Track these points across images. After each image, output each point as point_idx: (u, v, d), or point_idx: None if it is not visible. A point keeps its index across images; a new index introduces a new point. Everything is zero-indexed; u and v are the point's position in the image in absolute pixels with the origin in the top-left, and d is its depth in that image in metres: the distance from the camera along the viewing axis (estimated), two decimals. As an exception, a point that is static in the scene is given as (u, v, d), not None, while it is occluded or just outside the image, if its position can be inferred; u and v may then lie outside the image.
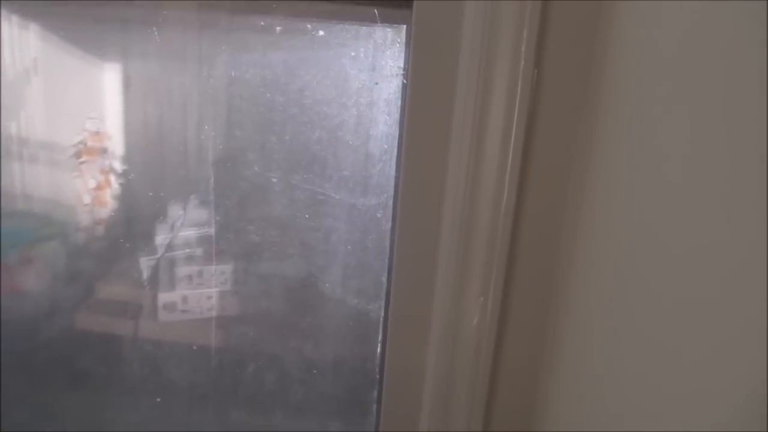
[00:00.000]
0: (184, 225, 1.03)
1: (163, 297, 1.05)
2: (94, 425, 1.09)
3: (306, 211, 0.91)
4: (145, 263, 1.04)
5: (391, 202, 0.89)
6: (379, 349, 0.96)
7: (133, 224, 1.03)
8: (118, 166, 1.02)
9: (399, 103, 0.84)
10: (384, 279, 0.93)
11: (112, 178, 1.02)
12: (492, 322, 0.85)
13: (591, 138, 0.74)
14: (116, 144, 1.01)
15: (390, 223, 0.90)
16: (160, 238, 1.03)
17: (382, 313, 0.94)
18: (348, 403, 1.01)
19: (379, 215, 0.90)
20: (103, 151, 1.02)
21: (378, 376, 0.97)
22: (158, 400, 1.07)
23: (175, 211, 1.03)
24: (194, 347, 1.06)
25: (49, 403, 1.10)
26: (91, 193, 1.03)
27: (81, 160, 1.02)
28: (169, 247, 1.03)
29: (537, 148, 0.79)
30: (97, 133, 1.01)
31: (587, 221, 0.75)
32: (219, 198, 0.97)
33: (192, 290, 1.04)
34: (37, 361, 1.08)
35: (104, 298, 1.07)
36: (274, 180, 0.90)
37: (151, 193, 1.02)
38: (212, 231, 1.02)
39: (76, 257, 1.05)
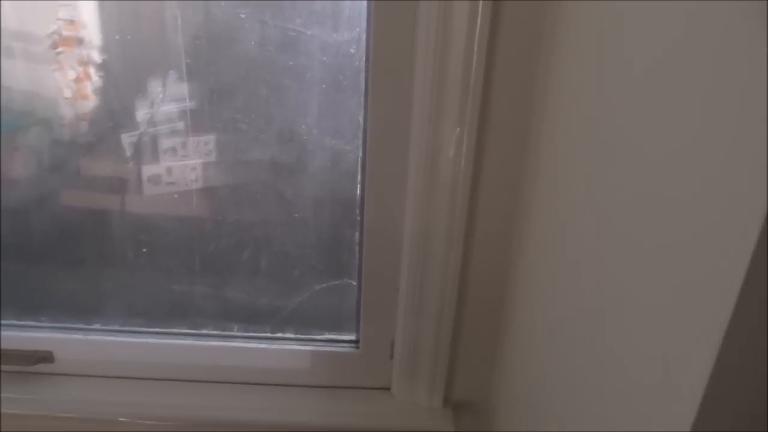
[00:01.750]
0: (165, 100, 1.02)
1: (148, 170, 1.06)
2: (88, 299, 1.13)
3: (277, 51, 0.90)
4: (127, 139, 1.04)
5: (364, 36, 0.88)
6: (359, 190, 0.99)
7: (114, 107, 1.02)
8: (96, 54, 1.00)
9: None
10: (360, 118, 0.94)
11: (91, 69, 1.00)
12: (468, 154, 0.87)
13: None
14: (92, 32, 0.98)
15: (363, 60, 0.90)
16: (142, 114, 1.03)
17: (360, 153, 0.96)
18: (331, 247, 1.05)
19: (352, 51, 0.90)
20: (80, 41, 0.98)
21: (359, 219, 1.01)
22: (148, 271, 1.11)
23: (154, 88, 1.02)
24: (181, 218, 1.09)
25: (44, 280, 1.13)
26: (71, 85, 1.01)
27: (57, 50, 0.99)
28: (151, 122, 1.03)
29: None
30: (72, 21, 0.98)
31: (562, 47, 0.75)
32: (194, 63, 0.96)
33: (176, 162, 1.05)
34: (29, 241, 1.11)
35: (89, 175, 1.07)
36: (242, 16, 0.88)
37: (130, 75, 1.00)
38: (192, 104, 1.02)
39: (60, 142, 1.05)
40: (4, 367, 1.12)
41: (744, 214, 0.37)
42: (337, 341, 1.12)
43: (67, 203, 1.10)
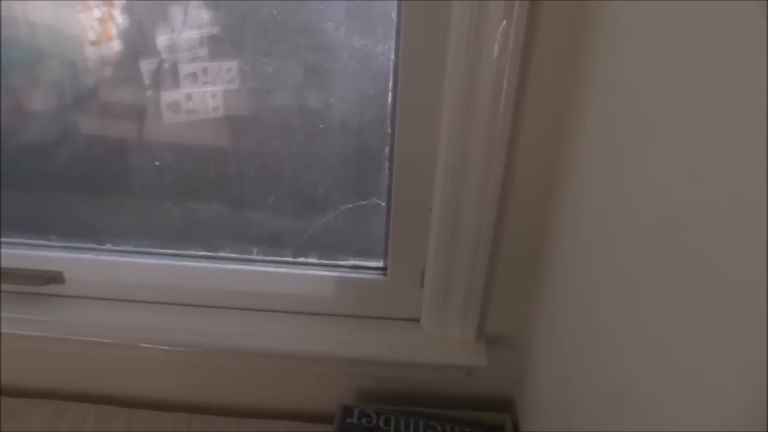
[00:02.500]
0: (186, 27, 0.95)
1: (167, 96, 0.99)
2: (101, 219, 1.08)
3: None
4: (146, 65, 0.97)
5: None
6: (390, 98, 0.90)
7: (137, 38, 0.95)
8: None
9: None
10: (393, 15, 0.85)
11: (116, 9, 0.95)
12: (515, 52, 0.78)
13: None
14: None
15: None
16: (162, 40, 0.95)
17: (393, 55, 0.87)
18: (358, 163, 0.97)
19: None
20: None
21: (390, 128, 0.92)
22: (164, 193, 1.05)
23: (176, 14, 0.94)
24: (200, 148, 1.02)
25: (57, 201, 1.09)
26: (95, 24, 0.96)
27: None
28: (172, 48, 0.95)
29: None
30: None
31: None
32: None
33: (197, 88, 0.99)
34: (47, 169, 1.06)
35: (108, 103, 1.01)
36: None
37: (152, 6, 0.93)
38: (215, 29, 0.94)
39: (82, 75, 0.99)
40: (12, 287, 1.07)
41: None
42: (364, 268, 1.05)
43: (86, 131, 1.04)
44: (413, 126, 0.87)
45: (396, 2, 0.83)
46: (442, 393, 1.10)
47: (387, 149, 0.94)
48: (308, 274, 1.04)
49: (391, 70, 0.88)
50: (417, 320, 1.04)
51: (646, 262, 0.58)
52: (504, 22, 0.76)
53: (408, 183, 0.92)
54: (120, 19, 0.97)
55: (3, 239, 1.07)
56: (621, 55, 0.67)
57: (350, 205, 1.01)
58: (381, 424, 1.02)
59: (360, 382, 1.10)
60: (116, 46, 0.98)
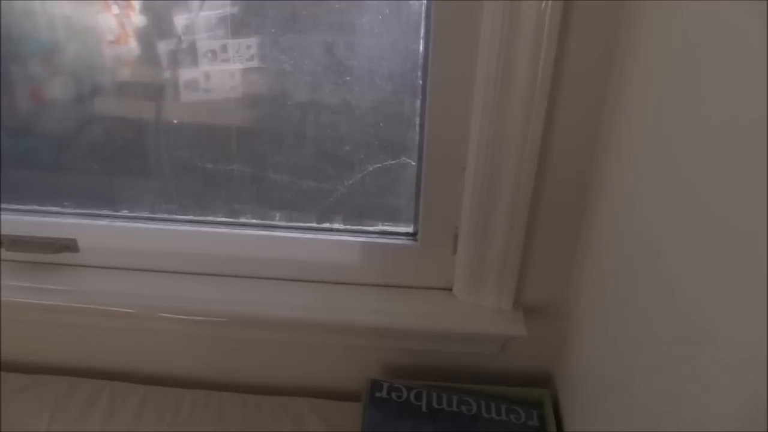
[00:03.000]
0: (205, 7, 0.92)
1: (185, 74, 0.97)
2: (115, 185, 1.05)
3: None
4: (165, 46, 0.95)
5: None
6: (421, 46, 0.85)
7: (157, 24, 0.93)
8: None
9: None
10: (426, -47, 0.79)
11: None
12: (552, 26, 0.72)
13: None
14: None
15: None
16: (181, 20, 0.93)
17: (423, 10, 0.82)
18: (387, 119, 0.92)
19: None
20: None
21: (421, 80, 0.87)
22: (181, 156, 1.01)
23: None
24: (219, 125, 0.99)
25: (74, 180, 1.05)
26: (114, 22, 0.94)
27: None
28: (190, 28, 0.93)
29: None
30: None
31: None
32: None
33: (215, 67, 0.94)
34: (65, 146, 1.04)
35: (127, 83, 0.99)
36: None
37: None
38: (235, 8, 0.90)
39: (98, 64, 0.97)
40: (26, 256, 1.03)
41: None
42: (392, 233, 0.99)
43: (105, 110, 1.01)
44: (446, 76, 0.82)
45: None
46: (475, 368, 1.05)
47: (418, 102, 0.89)
48: (333, 240, 0.99)
49: (423, 14, 0.82)
50: (449, 289, 0.99)
51: (699, 221, 0.53)
52: None
53: (441, 140, 0.87)
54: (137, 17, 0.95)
55: (16, 206, 1.03)
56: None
57: (378, 165, 0.95)
58: (412, 398, 0.96)
59: (388, 356, 1.05)
60: (133, 43, 0.96)
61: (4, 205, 1.03)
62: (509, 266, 0.92)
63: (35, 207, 1.04)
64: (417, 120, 0.90)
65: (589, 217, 0.87)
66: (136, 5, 0.94)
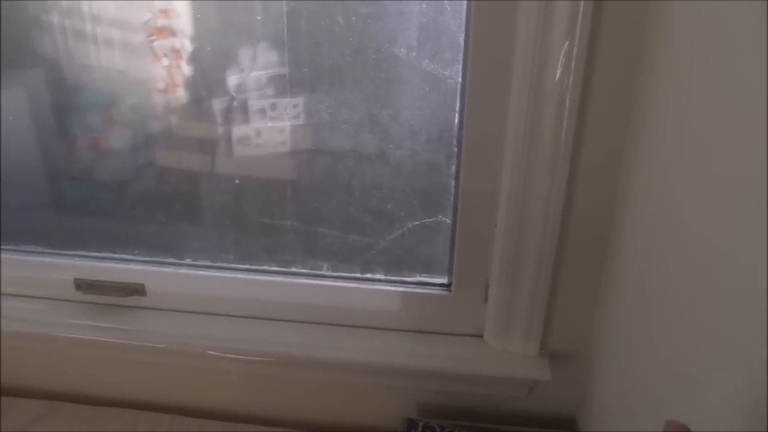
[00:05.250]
0: (256, 68, 1.04)
1: (238, 131, 1.09)
2: (181, 235, 1.17)
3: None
4: (218, 104, 1.08)
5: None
6: (457, 118, 0.97)
7: (203, 82, 1.06)
8: (188, 44, 1.04)
9: None
10: (461, 40, 0.91)
11: (183, 59, 1.05)
12: (577, 72, 0.83)
13: None
14: (185, 22, 1.03)
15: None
16: (233, 79, 1.05)
17: (460, 79, 0.94)
18: (425, 181, 1.03)
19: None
20: (173, 31, 1.03)
21: (456, 151, 0.98)
22: (241, 210, 1.13)
23: (246, 55, 1.04)
24: (269, 179, 1.11)
25: (141, 229, 1.18)
26: (163, 73, 1.07)
27: (152, 38, 1.04)
28: (242, 87, 1.05)
29: None
30: (166, 11, 1.03)
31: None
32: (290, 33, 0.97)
33: (265, 124, 1.07)
34: (127, 199, 1.17)
35: (182, 138, 1.12)
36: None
37: (217, 55, 1.04)
38: (283, 69, 1.03)
39: (154, 116, 1.11)
40: (99, 299, 1.16)
41: None
42: (429, 284, 1.10)
43: (162, 164, 1.14)
44: (479, 145, 0.93)
45: (464, 27, 0.90)
46: (504, 410, 1.13)
47: (453, 168, 1.00)
48: (375, 289, 1.10)
49: (458, 92, 0.94)
50: (480, 336, 1.08)
51: (708, 275, 0.62)
52: (566, 43, 0.82)
53: (474, 200, 0.98)
54: (186, 68, 1.07)
55: (91, 253, 1.16)
56: (678, 82, 0.72)
57: (417, 223, 1.06)
58: (445, 436, 1.05)
59: (424, 397, 1.14)
60: (182, 92, 1.08)
61: (82, 252, 1.17)
62: (536, 315, 1.02)
63: (109, 254, 1.17)
64: (452, 183, 1.01)
65: (608, 269, 0.96)
66: (185, 59, 1.05)
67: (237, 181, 1.11)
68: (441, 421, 1.08)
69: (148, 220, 1.17)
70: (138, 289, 1.15)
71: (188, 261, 1.15)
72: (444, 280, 1.09)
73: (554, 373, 1.03)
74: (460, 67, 0.93)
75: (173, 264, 1.15)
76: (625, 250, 0.89)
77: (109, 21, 1.05)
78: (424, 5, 0.91)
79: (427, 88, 0.96)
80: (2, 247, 1.19)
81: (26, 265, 1.18)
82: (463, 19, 0.90)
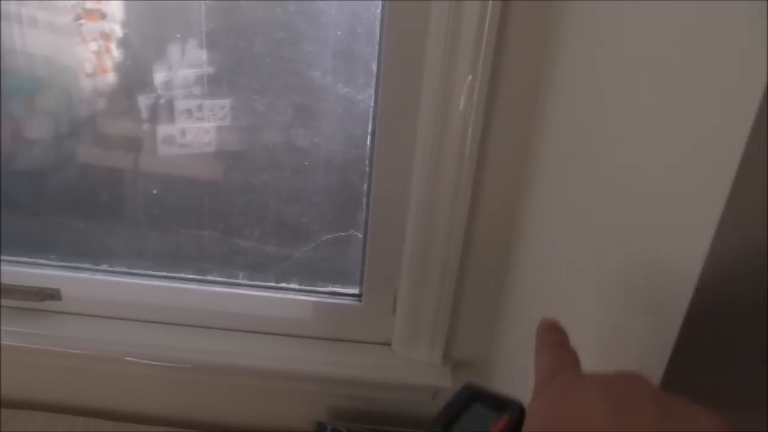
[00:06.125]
0: (183, 65, 1.06)
1: (163, 130, 1.10)
2: (97, 241, 1.18)
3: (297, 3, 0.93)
4: (144, 101, 1.09)
5: (380, -17, 0.90)
6: (369, 140, 1.01)
7: (133, 72, 1.06)
8: (119, 29, 1.04)
9: None
10: (374, 67, 0.96)
11: (112, 43, 1.05)
12: (479, 104, 0.89)
13: None
14: (115, 6, 1.02)
15: (380, 8, 0.92)
16: (159, 77, 1.06)
17: (372, 103, 0.98)
18: (339, 198, 1.08)
19: (368, -2, 0.92)
20: (102, 14, 1.03)
21: (368, 170, 1.03)
22: (157, 218, 1.15)
23: (173, 53, 1.05)
24: (192, 179, 1.13)
25: (56, 223, 1.18)
26: (91, 57, 1.05)
27: (80, 22, 1.03)
28: (168, 85, 1.06)
29: None
30: None
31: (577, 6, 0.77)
32: (213, 29, 0.99)
33: (191, 124, 1.09)
34: (40, 193, 1.17)
35: (106, 133, 1.12)
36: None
37: (148, 41, 1.04)
38: (211, 69, 1.05)
39: (78, 105, 1.10)
40: (13, 302, 1.16)
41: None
42: (340, 294, 1.14)
43: (85, 159, 1.14)
44: (389, 165, 0.98)
45: (377, 55, 0.95)
46: (411, 414, 1.19)
47: (365, 186, 1.05)
48: (289, 299, 1.14)
49: (371, 115, 0.99)
50: (388, 344, 1.14)
51: (593, 290, 0.68)
52: (470, 77, 0.88)
53: (383, 217, 1.03)
54: (116, 52, 1.07)
55: (5, 257, 1.16)
56: (575, 103, 0.79)
57: (330, 236, 1.11)
58: (352, 440, 1.11)
59: (334, 401, 1.19)
60: (111, 78, 1.08)
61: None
62: (440, 325, 1.08)
63: (24, 258, 1.17)
64: (364, 200, 1.07)
65: (507, 283, 1.03)
66: (114, 50, 1.05)
67: (158, 184, 1.12)
68: (350, 424, 1.14)
69: (65, 220, 1.17)
70: (53, 294, 1.15)
71: (104, 267, 1.16)
72: (355, 291, 1.14)
73: (456, 380, 1.09)
74: (372, 91, 0.98)
75: (89, 270, 1.16)
76: (522, 265, 0.96)
77: (36, 2, 1.03)
78: (339, 32, 0.95)
79: (341, 111, 1.01)
80: None
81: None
82: (376, 47, 0.95)
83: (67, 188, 1.15)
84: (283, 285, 1.15)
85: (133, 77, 1.07)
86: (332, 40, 0.96)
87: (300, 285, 1.15)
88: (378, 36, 0.94)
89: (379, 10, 0.92)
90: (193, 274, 1.16)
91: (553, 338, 0.48)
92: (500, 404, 0.49)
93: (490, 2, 0.84)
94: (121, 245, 1.17)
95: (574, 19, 0.78)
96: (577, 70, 0.76)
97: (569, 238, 0.77)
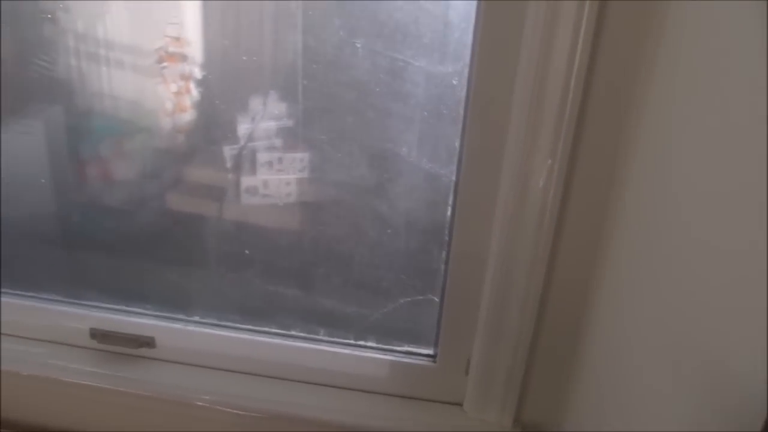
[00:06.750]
0: (265, 117, 1.13)
1: (246, 181, 1.19)
2: (189, 293, 1.27)
3: (386, 77, 1.00)
4: (228, 151, 1.17)
5: (466, 70, 0.97)
6: (449, 212, 1.07)
7: (215, 119, 1.15)
8: (198, 71, 1.12)
9: (479, -28, 0.90)
10: (457, 144, 1.02)
11: (192, 83, 1.12)
12: (558, 185, 0.94)
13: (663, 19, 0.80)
14: (196, 50, 1.10)
15: (465, 91, 0.98)
16: (242, 128, 1.14)
17: (454, 177, 1.04)
18: (418, 263, 1.14)
19: (454, 82, 0.99)
20: (183, 57, 1.11)
21: (447, 240, 1.08)
22: (244, 272, 1.23)
23: (255, 104, 1.13)
24: (275, 228, 1.20)
25: (151, 273, 1.28)
26: (172, 97, 1.13)
27: (162, 65, 1.12)
28: (251, 137, 1.14)
29: (612, 22, 0.86)
30: (178, 38, 1.09)
31: (656, 98, 0.82)
32: (306, 84, 1.07)
33: (272, 176, 1.16)
34: (131, 238, 1.26)
35: (191, 182, 1.21)
36: (357, 45, 0.99)
37: (230, 92, 1.13)
38: (291, 122, 1.13)
39: (163, 150, 1.19)
40: (111, 348, 1.25)
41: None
42: (416, 354, 1.19)
43: (171, 206, 1.23)
44: (468, 235, 1.04)
45: (460, 134, 1.01)
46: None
47: (444, 253, 1.11)
48: (366, 356, 1.20)
49: (452, 189, 1.05)
50: (460, 404, 1.18)
51: (679, 366, 0.71)
52: (549, 161, 0.93)
53: (460, 282, 1.08)
54: (196, 93, 1.15)
55: (106, 305, 1.26)
56: (653, 183, 0.83)
57: (408, 299, 1.17)
58: (423, 497, 1.14)
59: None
60: (191, 120, 1.15)
61: (99, 303, 1.26)
62: (511, 390, 1.12)
63: (123, 307, 1.26)
64: (442, 267, 1.12)
65: (581, 354, 1.06)
66: (194, 89, 1.12)
67: (242, 234, 1.20)
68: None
69: (154, 266, 1.25)
70: (148, 342, 1.24)
71: (196, 318, 1.25)
72: (430, 351, 1.19)
73: (525, 445, 1.12)
74: (455, 167, 1.04)
75: (182, 320, 1.25)
76: (595, 335, 0.99)
77: (122, 47, 1.12)
78: (425, 113, 1.02)
79: (423, 182, 1.07)
80: (22, 293, 1.28)
81: (43, 313, 1.28)
82: (460, 127, 1.01)
83: (154, 233, 1.24)
84: (361, 343, 1.21)
85: (216, 124, 1.14)
86: (418, 120, 1.03)
87: (377, 343, 1.21)
88: (462, 118, 1.00)
89: (464, 93, 0.98)
90: (277, 329, 1.23)
91: None
92: None
93: (570, 96, 0.89)
94: (211, 296, 1.26)
95: (648, 123, 0.82)
96: (652, 163, 0.80)
97: (641, 316, 0.80)
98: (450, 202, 1.07)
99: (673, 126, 0.75)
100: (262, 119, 1.15)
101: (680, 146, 0.72)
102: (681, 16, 0.76)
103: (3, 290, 1.29)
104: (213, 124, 1.15)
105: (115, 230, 1.26)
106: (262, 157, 1.18)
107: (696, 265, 0.65)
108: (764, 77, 0.42)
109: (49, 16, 1.11)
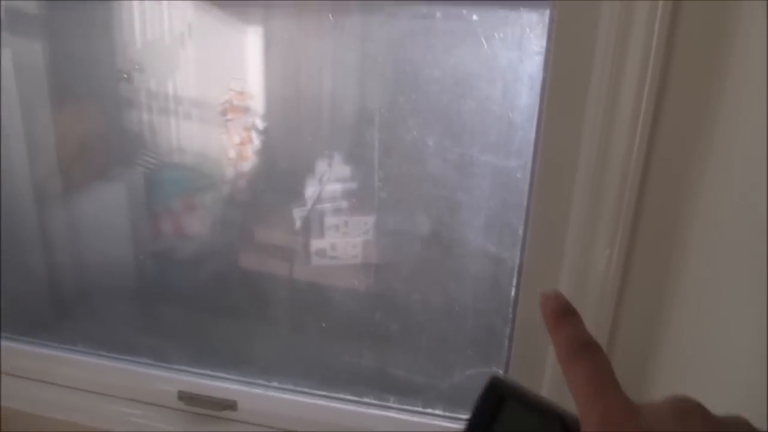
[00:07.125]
0: (331, 179, 1.23)
1: (315, 244, 1.27)
2: (268, 357, 1.36)
3: (454, 171, 1.09)
4: (297, 213, 1.26)
5: (529, 164, 1.05)
6: (513, 293, 1.15)
7: (279, 176, 1.25)
8: (260, 123, 1.21)
9: (540, 77, 0.99)
10: (520, 231, 1.10)
11: (254, 134, 1.21)
12: (616, 272, 1.01)
13: (719, 113, 0.86)
14: (258, 103, 1.19)
15: (528, 183, 1.06)
16: (309, 191, 1.24)
17: (517, 261, 1.12)
18: (484, 341, 1.21)
19: (518, 176, 1.07)
20: (246, 109, 1.20)
21: (511, 317, 1.16)
22: (318, 337, 1.31)
23: (321, 166, 1.23)
24: (343, 289, 1.29)
25: (211, 335, 1.37)
26: (235, 148, 1.22)
27: (227, 117, 1.22)
28: (318, 198, 1.24)
29: (665, 123, 0.93)
30: (242, 92, 1.19)
31: (711, 190, 0.88)
32: (373, 154, 1.17)
33: (339, 238, 1.25)
34: (201, 296, 1.35)
35: (262, 242, 1.30)
36: (430, 143, 1.08)
37: (293, 148, 1.23)
38: (355, 185, 1.22)
39: (231, 205, 1.28)
40: (197, 410, 1.35)
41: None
42: (481, 422, 1.25)
43: (244, 264, 1.33)
44: (531, 313, 1.11)
45: (524, 219, 1.09)
46: None
47: (508, 329, 1.18)
48: (435, 424, 1.26)
49: (515, 273, 1.13)
50: (524, 473, 1.23)
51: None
52: (608, 250, 1.00)
53: (524, 358, 1.15)
54: (258, 142, 1.24)
55: (193, 369, 1.37)
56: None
57: (474, 371, 1.24)
58: None
59: None
60: (256, 174, 1.23)
61: (186, 368, 1.37)
62: (574, 461, 1.17)
63: (208, 372, 1.37)
64: (506, 342, 1.19)
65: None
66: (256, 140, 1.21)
67: (313, 295, 1.29)
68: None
69: (231, 325, 1.35)
70: (231, 405, 1.34)
71: (275, 383, 1.34)
72: (495, 420, 1.25)
73: None
74: (518, 251, 1.12)
75: (263, 385, 1.34)
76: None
77: (190, 101, 1.21)
78: (491, 202, 1.11)
79: (487, 267, 1.15)
80: (117, 356, 1.41)
81: (134, 375, 1.39)
82: (523, 213, 1.09)
83: (229, 292, 1.34)
84: (429, 410, 1.28)
85: (283, 187, 1.23)
86: (484, 208, 1.11)
87: (444, 411, 1.27)
88: (525, 207, 1.08)
89: (527, 186, 1.06)
90: (350, 395, 1.31)
91: (571, 329, 0.38)
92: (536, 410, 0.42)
93: (628, 187, 0.96)
94: (286, 359, 1.35)
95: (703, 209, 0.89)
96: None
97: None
98: (514, 282, 1.14)
99: (727, 212, 0.81)
100: (329, 180, 1.24)
101: (732, 232, 0.78)
102: (732, 118, 0.83)
103: (101, 353, 1.41)
104: (279, 182, 1.24)
105: (190, 287, 1.36)
106: (329, 221, 1.28)
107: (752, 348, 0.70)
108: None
109: (125, 76, 1.23)
